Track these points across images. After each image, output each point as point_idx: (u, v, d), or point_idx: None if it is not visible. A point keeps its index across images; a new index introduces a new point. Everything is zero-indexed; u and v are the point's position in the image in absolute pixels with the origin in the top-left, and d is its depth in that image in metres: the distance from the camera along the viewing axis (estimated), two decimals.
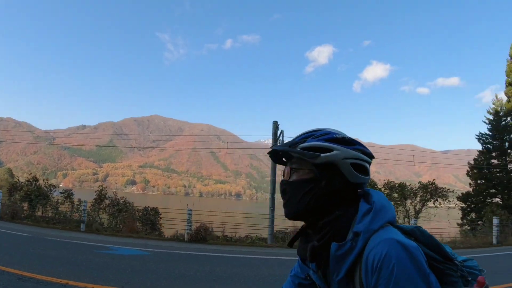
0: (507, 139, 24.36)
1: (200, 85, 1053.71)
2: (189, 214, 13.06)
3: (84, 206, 14.24)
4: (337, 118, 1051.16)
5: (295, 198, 1.09)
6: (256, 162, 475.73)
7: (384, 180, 17.96)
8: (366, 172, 1.10)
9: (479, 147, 25.48)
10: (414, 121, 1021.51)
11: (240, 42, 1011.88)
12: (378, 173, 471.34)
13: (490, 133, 25.10)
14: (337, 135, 1.12)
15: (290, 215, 1.12)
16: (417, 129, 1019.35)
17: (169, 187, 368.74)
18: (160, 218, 15.03)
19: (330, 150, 1.07)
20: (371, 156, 1.14)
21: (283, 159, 1.22)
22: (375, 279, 0.89)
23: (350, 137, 1.14)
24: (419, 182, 17.99)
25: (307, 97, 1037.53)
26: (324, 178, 1.07)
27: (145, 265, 7.74)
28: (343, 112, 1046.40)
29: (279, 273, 7.70)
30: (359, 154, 1.09)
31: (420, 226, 1.10)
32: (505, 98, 25.57)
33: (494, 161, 24.45)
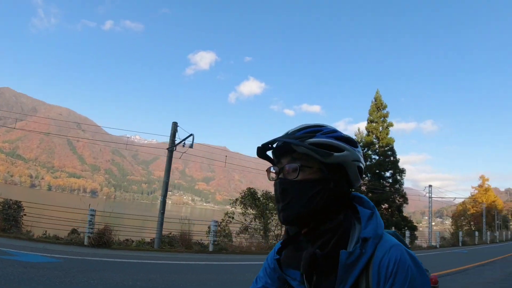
0: None
1: (66, 63, 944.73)
2: (91, 215, 11.82)
3: None
4: (209, 122, 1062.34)
5: (301, 199, 0.98)
6: (118, 158, 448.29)
7: (263, 190, 19.18)
8: (362, 175, 1.08)
9: None
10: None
11: (122, 27, 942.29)
12: (241, 182, 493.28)
13: None
14: (344, 134, 1.06)
15: (290, 218, 1.00)
16: None
17: (12, 176, 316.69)
18: (24, 214, 12.77)
19: (341, 150, 1.01)
20: (365, 159, 1.11)
21: (272, 154, 1.09)
22: (389, 284, 0.89)
23: (353, 137, 1.08)
24: None
25: (183, 96, 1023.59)
26: (332, 180, 1.01)
27: (74, 276, 6.51)
28: (216, 118, 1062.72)
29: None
30: (361, 157, 1.06)
31: (396, 231, 1.13)
32: (365, 132, 32.86)
33: None
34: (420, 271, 0.92)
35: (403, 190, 31.59)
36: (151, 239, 13.59)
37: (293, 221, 1.01)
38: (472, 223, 55.83)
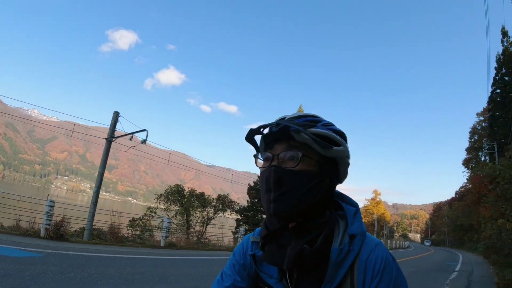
0: None
1: None
2: (50, 206, 11.06)
3: None
4: (119, 104, 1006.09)
5: (298, 191, 0.92)
6: (11, 133, 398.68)
7: (189, 188, 19.31)
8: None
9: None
10: (191, 132, 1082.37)
11: None
12: (146, 174, 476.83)
13: None
14: (340, 129, 1.02)
15: (283, 211, 0.92)
16: (191, 139, 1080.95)
17: None
18: None
19: (339, 144, 0.97)
20: None
21: (262, 139, 1.00)
22: (376, 281, 0.89)
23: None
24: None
25: (94, 72, 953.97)
26: (328, 175, 0.97)
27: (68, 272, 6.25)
28: (127, 101, 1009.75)
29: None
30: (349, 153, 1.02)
31: None
32: None
33: None
34: (401, 271, 0.94)
35: None
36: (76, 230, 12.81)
37: (285, 214, 0.93)
38: None
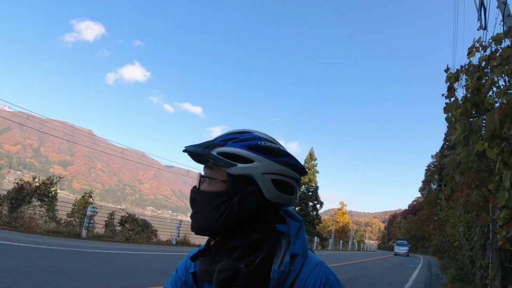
0: None
1: None
2: None
3: None
4: (77, 99, 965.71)
5: (203, 211, 0.93)
6: None
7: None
8: (291, 191, 0.96)
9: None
10: (152, 131, 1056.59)
11: None
12: (103, 172, 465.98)
13: None
14: (263, 143, 0.94)
15: (196, 229, 0.95)
16: (151, 138, 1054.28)
17: None
18: None
19: (250, 160, 0.91)
20: (302, 172, 0.97)
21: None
22: None
23: (279, 147, 0.97)
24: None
25: (52, 62, 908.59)
26: (238, 193, 0.91)
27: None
28: (86, 95, 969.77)
29: None
30: (286, 169, 0.94)
31: None
32: None
33: None
34: None
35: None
36: None
37: (198, 231, 0.94)
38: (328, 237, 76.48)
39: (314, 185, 49.28)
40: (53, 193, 14.51)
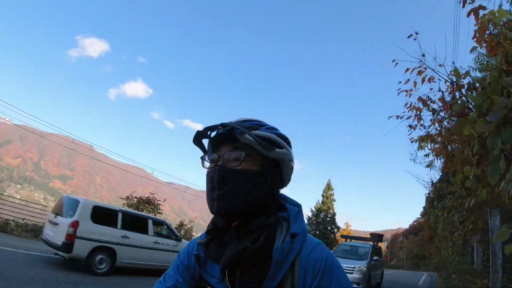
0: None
1: None
2: None
3: None
4: (79, 113, 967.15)
5: (240, 190, 0.95)
6: None
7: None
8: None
9: None
10: (152, 147, 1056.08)
11: None
12: (102, 187, 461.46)
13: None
14: (283, 134, 1.06)
15: (225, 209, 0.95)
16: (151, 155, 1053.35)
17: None
18: None
19: (281, 146, 1.00)
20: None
21: (209, 142, 1.04)
22: (318, 279, 0.92)
23: (288, 139, 1.06)
24: None
25: (57, 76, 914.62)
26: (270, 175, 1.00)
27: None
28: (88, 110, 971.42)
29: None
30: (293, 158, 1.06)
31: None
32: (320, 202, 54.89)
33: None
34: (343, 270, 0.97)
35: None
36: None
37: (227, 212, 0.95)
38: None
39: (332, 211, 55.27)
40: None
